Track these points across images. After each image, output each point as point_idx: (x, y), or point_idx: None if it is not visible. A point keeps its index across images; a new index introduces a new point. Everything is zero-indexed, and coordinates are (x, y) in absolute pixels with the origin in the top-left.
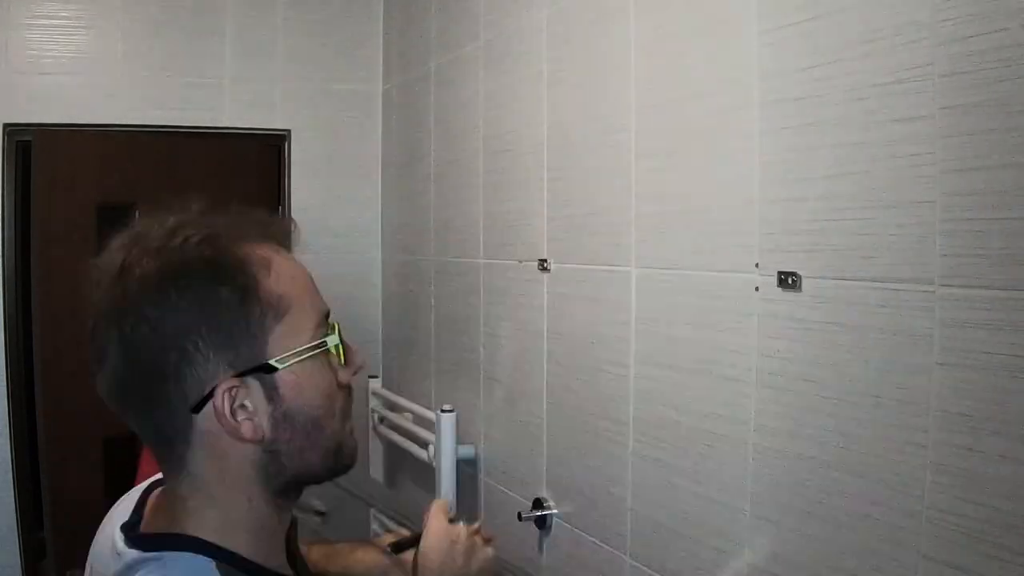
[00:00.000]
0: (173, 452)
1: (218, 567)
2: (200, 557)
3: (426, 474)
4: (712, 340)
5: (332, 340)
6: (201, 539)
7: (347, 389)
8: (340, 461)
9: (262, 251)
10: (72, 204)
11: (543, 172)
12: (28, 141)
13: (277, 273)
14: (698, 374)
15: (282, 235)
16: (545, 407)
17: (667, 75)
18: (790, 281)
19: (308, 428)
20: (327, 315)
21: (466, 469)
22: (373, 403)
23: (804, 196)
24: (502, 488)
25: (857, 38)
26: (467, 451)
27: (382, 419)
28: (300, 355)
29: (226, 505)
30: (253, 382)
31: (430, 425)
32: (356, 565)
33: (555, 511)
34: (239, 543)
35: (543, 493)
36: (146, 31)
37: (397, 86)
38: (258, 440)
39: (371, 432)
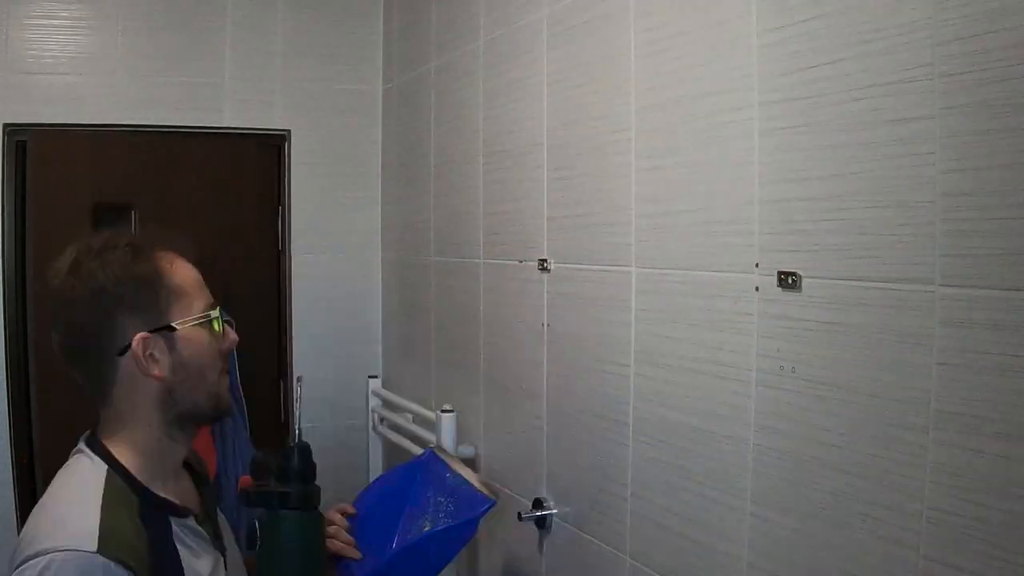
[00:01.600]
0: (103, 391)
1: (108, 473)
2: (100, 462)
3: None
4: (712, 340)
5: (214, 313)
6: (109, 450)
7: (224, 356)
8: (218, 406)
9: (167, 255)
10: (70, 204)
11: (543, 172)
12: (27, 141)
13: (176, 270)
14: (698, 374)
15: (183, 247)
16: (545, 407)
17: (667, 75)
18: (790, 281)
19: (196, 374)
20: (214, 305)
21: None
22: (373, 403)
23: (804, 196)
24: (502, 488)
25: (857, 38)
26: (467, 451)
27: (382, 419)
28: (191, 323)
29: (133, 428)
30: (159, 337)
31: (430, 425)
32: None
33: (555, 511)
34: (133, 463)
35: (543, 493)
36: (146, 31)
37: (397, 86)
38: (161, 377)
39: (371, 432)
